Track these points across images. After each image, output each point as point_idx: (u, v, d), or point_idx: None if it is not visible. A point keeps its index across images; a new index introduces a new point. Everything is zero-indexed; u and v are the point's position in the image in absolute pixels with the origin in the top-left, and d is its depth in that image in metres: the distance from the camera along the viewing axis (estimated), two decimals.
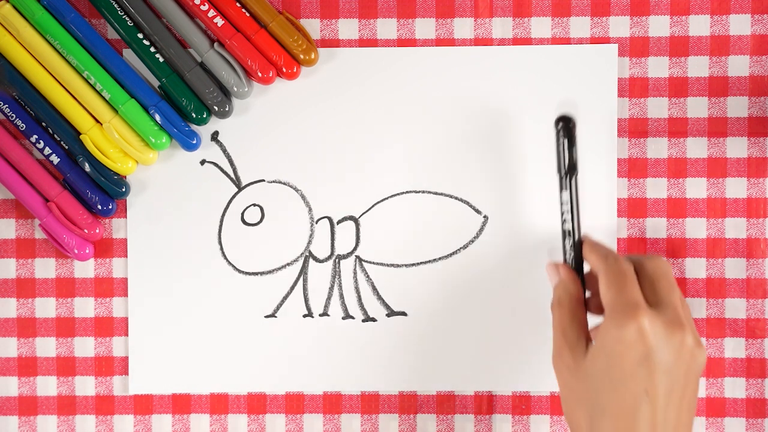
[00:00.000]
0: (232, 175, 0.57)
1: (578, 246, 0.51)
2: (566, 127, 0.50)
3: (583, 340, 0.48)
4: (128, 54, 0.56)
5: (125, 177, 0.57)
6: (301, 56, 0.55)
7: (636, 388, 0.45)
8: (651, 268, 0.48)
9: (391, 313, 0.57)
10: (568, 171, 0.51)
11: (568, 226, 0.51)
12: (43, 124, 0.56)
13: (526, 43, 0.56)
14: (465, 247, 0.57)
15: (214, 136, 0.57)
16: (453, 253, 0.57)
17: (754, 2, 0.56)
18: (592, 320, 0.50)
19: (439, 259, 0.57)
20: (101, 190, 0.56)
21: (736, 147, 0.56)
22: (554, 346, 0.49)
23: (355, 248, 0.57)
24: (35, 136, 0.56)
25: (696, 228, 0.56)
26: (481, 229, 0.57)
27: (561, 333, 0.48)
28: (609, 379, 0.45)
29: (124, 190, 0.56)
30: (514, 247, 0.56)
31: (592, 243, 0.50)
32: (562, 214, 0.51)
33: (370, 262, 0.57)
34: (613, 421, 0.45)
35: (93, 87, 0.55)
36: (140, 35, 0.55)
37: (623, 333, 0.45)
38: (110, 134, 0.55)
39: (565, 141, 0.50)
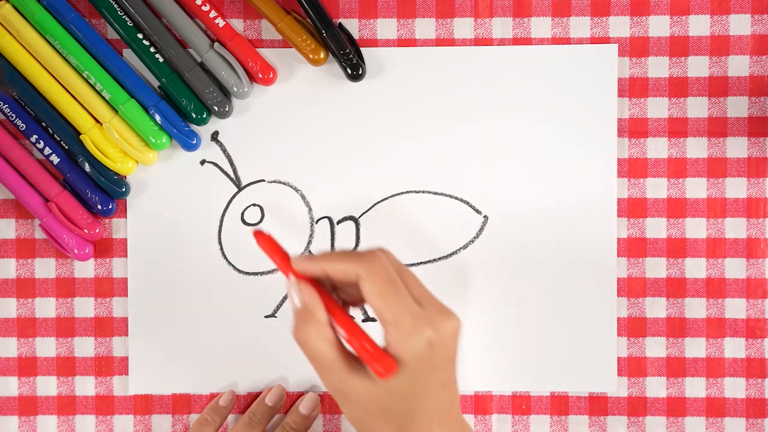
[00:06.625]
0: (232, 175, 0.57)
1: None
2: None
3: (351, 357, 0.44)
4: (128, 54, 0.56)
5: (125, 177, 0.57)
6: (310, 56, 0.55)
7: (440, 386, 0.44)
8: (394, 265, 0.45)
9: None
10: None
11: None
12: (43, 124, 0.56)
13: (526, 43, 0.56)
14: (465, 247, 0.57)
15: (214, 136, 0.57)
16: (453, 253, 0.57)
17: (754, 2, 0.56)
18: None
19: (439, 259, 0.57)
20: (101, 190, 0.56)
21: (736, 147, 0.56)
22: (326, 371, 0.44)
23: (355, 248, 0.57)
24: (35, 136, 0.56)
25: (696, 228, 0.56)
26: (481, 229, 0.57)
27: (332, 358, 0.44)
28: (414, 388, 0.43)
29: (124, 190, 0.56)
30: (514, 247, 0.56)
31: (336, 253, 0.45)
32: None
33: None
34: (427, 422, 0.44)
35: (93, 87, 0.55)
36: (140, 35, 0.55)
37: (419, 344, 0.42)
38: (110, 134, 0.55)
39: None
